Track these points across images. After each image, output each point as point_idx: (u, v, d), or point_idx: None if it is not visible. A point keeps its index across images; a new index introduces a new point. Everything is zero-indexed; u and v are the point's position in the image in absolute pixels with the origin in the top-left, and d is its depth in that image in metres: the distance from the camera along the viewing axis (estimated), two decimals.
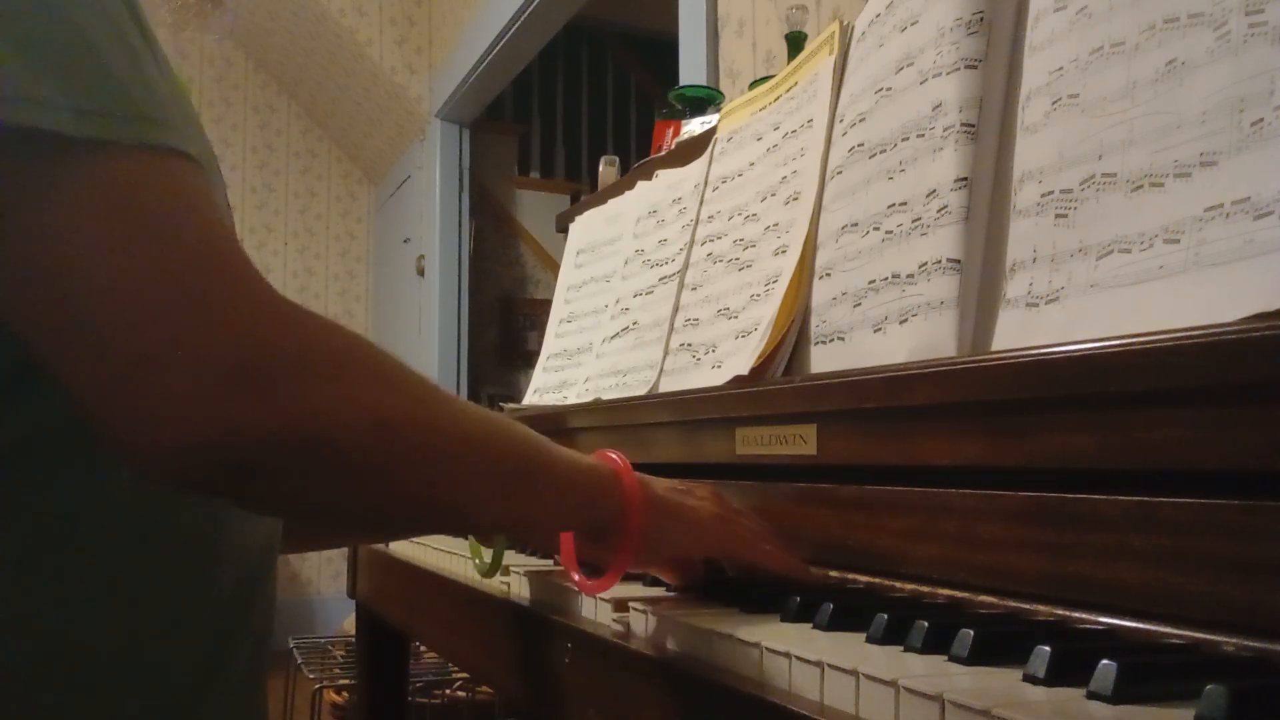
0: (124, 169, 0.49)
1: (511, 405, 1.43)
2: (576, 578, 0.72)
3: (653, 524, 0.66)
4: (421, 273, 4.31)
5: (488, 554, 0.83)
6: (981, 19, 0.73)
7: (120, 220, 0.48)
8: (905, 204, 0.76)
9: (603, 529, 0.66)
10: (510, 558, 0.91)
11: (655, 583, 0.75)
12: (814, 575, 0.69)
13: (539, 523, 0.69)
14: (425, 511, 0.61)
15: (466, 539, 0.90)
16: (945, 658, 0.47)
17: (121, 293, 0.48)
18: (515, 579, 0.83)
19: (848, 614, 0.56)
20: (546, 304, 1.51)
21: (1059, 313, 0.61)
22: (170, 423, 0.48)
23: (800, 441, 0.72)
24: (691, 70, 2.31)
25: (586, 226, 1.46)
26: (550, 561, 0.90)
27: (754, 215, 1.01)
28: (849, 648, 0.51)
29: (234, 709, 0.66)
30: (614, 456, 0.69)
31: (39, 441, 0.57)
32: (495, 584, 0.86)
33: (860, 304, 0.79)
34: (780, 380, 0.85)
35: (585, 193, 4.77)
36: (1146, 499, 0.48)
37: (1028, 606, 0.55)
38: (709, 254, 1.07)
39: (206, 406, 0.48)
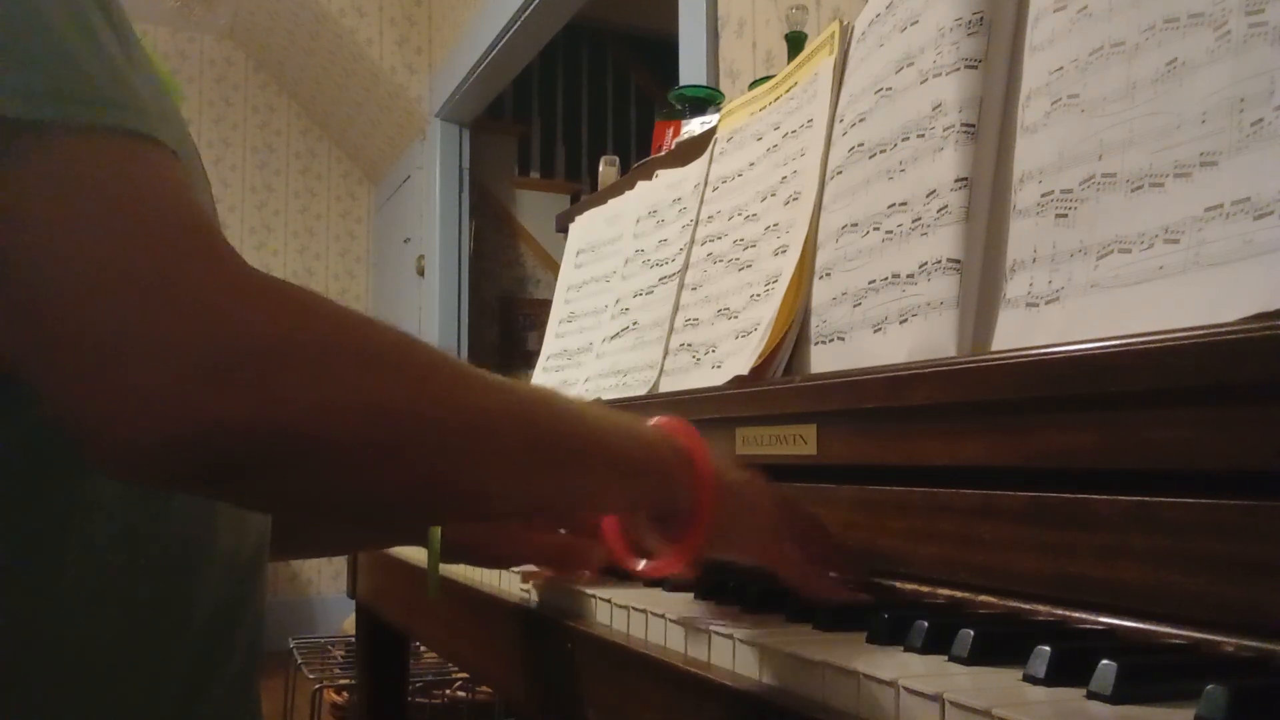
0: (81, 150, 0.46)
1: None
2: (641, 565, 0.69)
3: (724, 513, 0.61)
4: (421, 273, 4.31)
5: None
6: (981, 19, 0.73)
7: (77, 201, 0.45)
8: (905, 204, 0.76)
9: (668, 513, 0.61)
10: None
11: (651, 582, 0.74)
12: (847, 598, 0.62)
13: (593, 505, 0.64)
14: (440, 500, 0.54)
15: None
16: (945, 658, 0.47)
17: (79, 278, 0.44)
18: (517, 579, 0.83)
19: (848, 614, 0.56)
20: (546, 304, 1.51)
21: (1059, 313, 0.61)
22: (140, 418, 0.43)
23: (800, 441, 0.72)
24: (691, 70, 2.31)
25: (586, 226, 1.46)
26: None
27: (754, 215, 1.01)
28: (849, 648, 0.51)
29: (227, 710, 0.66)
30: (676, 425, 0.63)
31: (27, 446, 0.56)
32: (498, 585, 0.85)
33: (860, 304, 0.79)
34: (780, 380, 0.85)
35: (585, 193, 4.77)
36: (1146, 499, 0.48)
37: (1028, 606, 0.55)
38: (709, 254, 1.07)
39: (179, 400, 0.43)
